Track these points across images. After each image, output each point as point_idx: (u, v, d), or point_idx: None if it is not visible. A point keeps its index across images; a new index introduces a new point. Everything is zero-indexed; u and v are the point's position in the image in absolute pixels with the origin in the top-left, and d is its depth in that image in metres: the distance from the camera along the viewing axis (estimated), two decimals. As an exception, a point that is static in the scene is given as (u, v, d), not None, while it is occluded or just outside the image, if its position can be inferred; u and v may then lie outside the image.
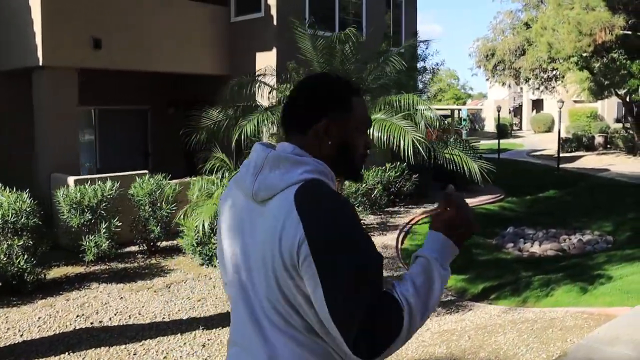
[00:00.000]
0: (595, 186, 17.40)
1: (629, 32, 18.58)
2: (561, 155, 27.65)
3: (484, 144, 38.26)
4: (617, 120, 33.88)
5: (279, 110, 6.73)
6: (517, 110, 50.91)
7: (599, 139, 28.87)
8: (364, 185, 12.77)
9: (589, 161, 24.56)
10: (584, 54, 20.04)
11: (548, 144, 31.37)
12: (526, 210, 15.20)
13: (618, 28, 17.38)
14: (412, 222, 12.50)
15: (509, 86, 29.67)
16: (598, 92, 25.34)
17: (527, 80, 24.35)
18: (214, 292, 7.70)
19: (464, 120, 39.25)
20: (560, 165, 23.07)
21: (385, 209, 13.58)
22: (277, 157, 1.55)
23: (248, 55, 12.42)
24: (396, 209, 13.68)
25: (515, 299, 7.83)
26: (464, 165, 7.13)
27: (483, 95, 60.31)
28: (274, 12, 12.13)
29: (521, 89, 38.88)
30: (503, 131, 43.31)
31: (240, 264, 1.60)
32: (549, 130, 42.13)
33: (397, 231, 11.54)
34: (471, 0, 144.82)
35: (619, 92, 23.19)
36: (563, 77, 25.05)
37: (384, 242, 10.56)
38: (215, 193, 5.61)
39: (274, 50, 12.00)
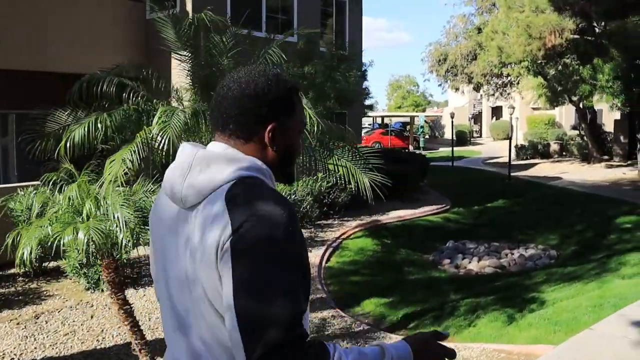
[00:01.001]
0: (545, 196, 16.70)
1: (578, 36, 17.97)
2: (516, 163, 27.15)
3: (443, 151, 37.78)
4: (574, 127, 33.51)
5: (122, 112, 5.62)
6: (478, 118, 50.60)
7: (554, 146, 28.39)
8: (292, 198, 11.79)
9: (542, 169, 23.97)
10: (536, 59, 19.38)
11: (505, 152, 30.79)
12: (471, 221, 14.39)
13: (568, 31, 16.73)
14: (344, 236, 11.53)
15: (462, 92, 28.97)
16: (553, 98, 24.83)
17: (479, 85, 23.66)
18: (89, 323, 6.64)
19: (421, 127, 38.56)
20: (513, 174, 22.40)
21: (317, 222, 12.58)
22: (207, 156, 1.39)
23: (164, 56, 11.29)
24: (329, 221, 12.69)
25: (435, 328, 6.86)
26: (351, 178, 6.08)
27: (446, 103, 60.13)
28: (189, 7, 11.05)
29: (481, 96, 38.37)
30: (462, 138, 42.89)
31: (167, 278, 1.46)
32: (507, 137, 41.75)
33: (324, 247, 10.55)
34: (440, 8, 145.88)
35: (573, 99, 22.65)
36: (517, 83, 24.47)
37: (304, 260, 9.54)
38: (49, 212, 4.51)
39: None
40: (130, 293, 7.20)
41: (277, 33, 10.21)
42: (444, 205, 15.36)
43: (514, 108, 21.21)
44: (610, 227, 12.32)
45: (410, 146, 39.62)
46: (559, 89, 21.89)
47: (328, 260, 10.09)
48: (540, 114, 40.49)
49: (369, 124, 48.40)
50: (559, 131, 34.22)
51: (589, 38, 17.59)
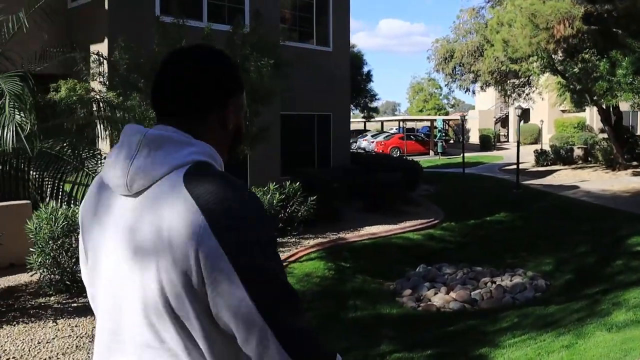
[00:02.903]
0: (552, 209, 14.55)
1: (594, 27, 15.74)
2: (534, 169, 24.85)
3: (465, 156, 35.44)
4: (602, 131, 30.91)
5: None
6: (505, 121, 48.03)
7: (578, 152, 25.92)
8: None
9: (561, 176, 21.65)
10: (545, 53, 17.21)
11: (527, 157, 28.47)
12: (459, 239, 12.39)
13: (579, 20, 14.56)
14: (292, 258, 9.73)
15: (473, 93, 26.66)
16: (577, 99, 22.51)
17: (486, 84, 21.45)
18: None
19: (439, 131, 36.33)
20: (528, 182, 20.23)
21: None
22: (157, 137, 1.22)
23: (84, 49, 9.70)
24: (285, 239, 10.88)
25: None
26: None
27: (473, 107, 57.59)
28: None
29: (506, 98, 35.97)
30: (487, 143, 40.47)
31: (106, 281, 1.26)
32: (536, 141, 39.22)
33: None
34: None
35: (595, 98, 20.30)
36: (536, 82, 22.21)
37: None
38: None
39: (106, 42, 9.30)
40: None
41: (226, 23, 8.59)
42: (432, 220, 13.39)
43: (522, 109, 18.96)
44: (618, 249, 10.22)
45: (431, 151, 37.59)
46: (578, 87, 19.61)
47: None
48: (569, 117, 37.90)
49: (395, 129, 46.58)
50: (587, 135, 31.68)
51: (603, 27, 15.31)
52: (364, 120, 41.20)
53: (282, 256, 9.91)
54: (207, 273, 1.08)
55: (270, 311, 1.08)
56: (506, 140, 46.80)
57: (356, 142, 43.02)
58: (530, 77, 20.99)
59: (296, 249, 10.31)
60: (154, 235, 1.13)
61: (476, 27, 20.57)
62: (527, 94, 24.73)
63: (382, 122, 49.19)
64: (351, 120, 49.19)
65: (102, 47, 9.36)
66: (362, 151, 37.48)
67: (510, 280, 9.21)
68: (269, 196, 10.58)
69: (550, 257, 10.46)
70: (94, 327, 6.51)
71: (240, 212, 1.12)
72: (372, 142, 39.43)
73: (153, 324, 1.16)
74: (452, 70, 21.65)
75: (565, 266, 9.80)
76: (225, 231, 1.09)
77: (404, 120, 41.87)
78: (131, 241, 1.18)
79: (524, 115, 44.56)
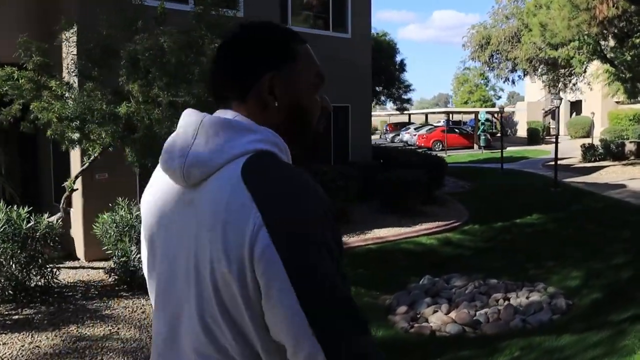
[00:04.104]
0: (591, 211, 13.03)
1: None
2: (580, 165, 23.03)
3: (510, 150, 33.67)
4: (661, 124, 28.61)
5: None
6: (555, 114, 45.57)
7: (630, 146, 23.88)
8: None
9: (609, 173, 19.84)
10: (590, 38, 15.56)
11: (575, 152, 26.58)
12: (481, 244, 11.09)
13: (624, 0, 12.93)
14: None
15: (512, 82, 24.85)
16: (630, 89, 20.64)
17: (525, 73, 19.77)
18: None
19: (482, 124, 34.51)
20: (571, 179, 18.62)
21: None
22: (215, 123, 1.13)
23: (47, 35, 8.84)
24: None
25: None
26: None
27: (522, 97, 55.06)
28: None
29: (559, 89, 33.79)
30: (535, 136, 38.36)
31: (163, 274, 1.19)
32: (588, 135, 36.87)
33: None
34: None
35: (648, 88, 18.46)
36: (584, 71, 20.37)
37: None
38: None
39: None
40: None
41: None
42: (452, 222, 12.13)
43: (561, 99, 17.26)
44: (660, 262, 8.77)
45: (475, 145, 35.97)
46: (629, 76, 17.82)
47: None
48: (624, 109, 35.36)
49: (442, 121, 45.03)
50: (643, 128, 29.44)
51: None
52: (407, 113, 39.79)
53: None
54: (259, 274, 0.99)
55: (323, 326, 0.97)
56: (557, 133, 44.41)
57: (399, 135, 41.70)
58: (572, 65, 19.21)
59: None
60: (208, 231, 1.04)
61: (515, 11, 18.93)
62: (573, 84, 22.91)
63: (426, 114, 47.60)
64: (391, 113, 47.70)
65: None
66: (402, 145, 36.22)
67: (527, 298, 7.90)
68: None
69: (579, 269, 9.06)
70: (23, 347, 5.61)
71: (299, 211, 1.01)
72: (415, 135, 38.23)
73: (209, 327, 1.07)
74: (489, 58, 20.06)
75: (595, 281, 8.41)
76: (280, 230, 0.99)
77: (447, 113, 40.24)
78: (187, 237, 1.10)
79: (576, 107, 42.22)
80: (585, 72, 21.64)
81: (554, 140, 39.75)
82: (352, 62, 14.41)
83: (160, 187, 1.21)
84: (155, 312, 1.23)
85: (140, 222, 3.77)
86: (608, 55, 18.83)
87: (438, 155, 16.75)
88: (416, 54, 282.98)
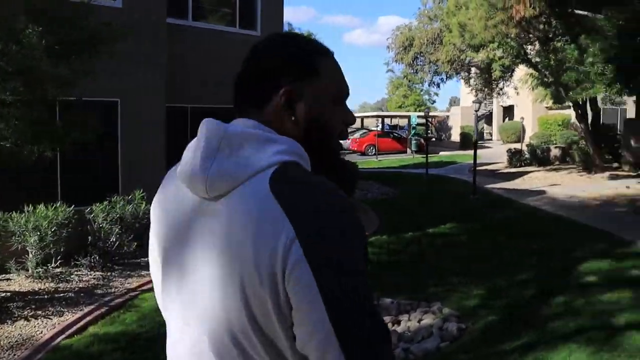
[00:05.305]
0: (507, 219, 12.47)
1: (577, 11, 13.58)
2: (507, 171, 22.76)
3: (442, 155, 33.43)
4: (587, 129, 28.74)
5: None
6: (489, 118, 45.89)
7: (555, 152, 23.81)
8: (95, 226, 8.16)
9: (532, 179, 19.52)
10: (514, 41, 15.06)
11: (504, 157, 26.40)
12: (385, 258, 10.32)
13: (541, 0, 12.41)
14: (148, 285, 7.69)
15: (437, 86, 24.41)
16: (556, 94, 20.40)
17: (447, 76, 19.28)
18: None
19: (414, 128, 34.16)
20: (492, 185, 18.17)
21: (132, 260, 8.78)
22: (240, 134, 1.11)
23: None
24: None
25: None
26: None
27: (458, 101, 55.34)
28: None
29: (485, 94, 33.76)
30: (468, 141, 38.30)
31: (181, 288, 1.15)
32: (519, 140, 37.11)
33: (94, 305, 6.83)
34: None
35: (570, 93, 18.17)
36: (499, 74, 19.99)
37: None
38: None
39: None
40: None
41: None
42: (359, 232, 11.27)
43: (480, 103, 16.75)
44: (566, 279, 8.17)
45: (408, 149, 35.67)
46: (550, 79, 17.50)
47: (82, 330, 6.44)
48: (553, 114, 35.67)
49: (388, 126, 44.58)
50: (570, 133, 29.55)
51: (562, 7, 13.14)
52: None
53: (142, 281, 7.89)
54: (290, 287, 0.99)
55: (350, 342, 0.97)
56: (490, 138, 44.67)
57: (333, 139, 41.02)
58: (493, 69, 18.80)
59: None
60: (237, 245, 1.02)
61: (438, 13, 18.40)
62: (500, 89, 22.62)
63: (362, 118, 47.13)
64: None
65: None
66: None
67: (419, 321, 7.09)
68: (130, 207, 8.47)
69: (482, 286, 8.34)
70: None
71: (332, 224, 1.00)
72: (349, 139, 37.65)
73: (239, 342, 1.05)
74: (413, 61, 19.47)
75: (495, 300, 7.68)
76: (313, 243, 0.98)
77: (381, 117, 39.83)
78: (210, 248, 1.07)
79: (509, 112, 42.52)
80: (511, 76, 21.38)
81: (487, 145, 39.97)
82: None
83: (174, 199, 1.18)
84: (173, 333, 1.19)
85: None
86: (533, 60, 18.51)
87: (350, 161, 15.86)
88: (362, 58, 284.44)
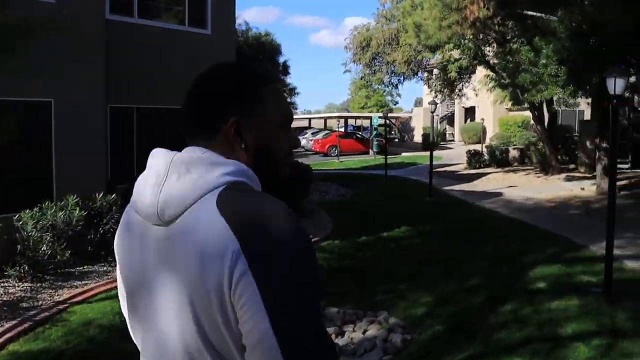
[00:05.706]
0: (461, 222, 12.32)
1: (529, 12, 13.49)
2: (466, 172, 22.76)
3: (404, 156, 33.37)
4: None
5: None
6: (452, 119, 46.12)
7: (513, 153, 23.92)
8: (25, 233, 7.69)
9: (490, 181, 19.52)
10: (471, 42, 14.95)
11: (464, 158, 26.43)
12: (335, 263, 9.99)
13: (495, 1, 12.28)
14: (81, 297, 7.25)
15: (395, 87, 24.31)
16: (514, 95, 20.43)
17: (404, 77, 19.15)
18: None
19: (375, 129, 34.05)
20: (450, 187, 18.10)
21: (68, 270, 8.33)
22: (186, 160, 1.15)
23: None
24: (95, 268, 8.42)
25: None
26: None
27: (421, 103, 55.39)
28: None
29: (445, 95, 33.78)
30: (429, 142, 38.33)
31: (145, 316, 1.19)
32: (479, 141, 37.32)
33: (17, 320, 6.38)
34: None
35: (526, 95, 18.19)
36: (454, 76, 19.93)
37: None
38: None
39: None
40: None
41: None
42: (311, 237, 10.94)
43: (436, 104, 16.64)
44: (515, 285, 8.00)
45: (370, 150, 35.55)
46: (507, 81, 17.48)
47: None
48: (513, 115, 35.95)
49: (352, 127, 44.23)
50: (529, 135, 29.76)
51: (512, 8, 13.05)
52: (307, 117, 38.87)
53: (73, 292, 7.44)
54: (236, 299, 1.00)
55: (293, 354, 0.97)
56: (452, 139, 44.87)
57: (297, 140, 40.68)
58: (448, 70, 18.73)
59: (97, 282, 7.82)
60: (186, 265, 1.05)
61: (396, 13, 18.23)
62: (459, 90, 22.60)
63: (325, 118, 46.92)
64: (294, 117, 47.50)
65: None
66: (301, 150, 35.27)
67: (364, 332, 6.82)
68: (62, 213, 8.00)
69: (431, 292, 8.11)
70: None
71: (277, 238, 1.01)
72: (311, 140, 37.41)
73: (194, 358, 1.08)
74: (370, 61, 19.27)
75: (443, 308, 7.44)
76: (256, 256, 1.00)
77: (343, 117, 39.65)
78: (166, 274, 1.10)
79: (470, 113, 42.75)
80: (469, 77, 21.33)
81: (449, 146, 40.08)
82: (214, 61, 13.00)
83: (131, 228, 1.21)
84: (141, 353, 1.21)
85: None
86: (491, 61, 18.50)
87: (304, 163, 15.58)
88: (328, 59, 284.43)
